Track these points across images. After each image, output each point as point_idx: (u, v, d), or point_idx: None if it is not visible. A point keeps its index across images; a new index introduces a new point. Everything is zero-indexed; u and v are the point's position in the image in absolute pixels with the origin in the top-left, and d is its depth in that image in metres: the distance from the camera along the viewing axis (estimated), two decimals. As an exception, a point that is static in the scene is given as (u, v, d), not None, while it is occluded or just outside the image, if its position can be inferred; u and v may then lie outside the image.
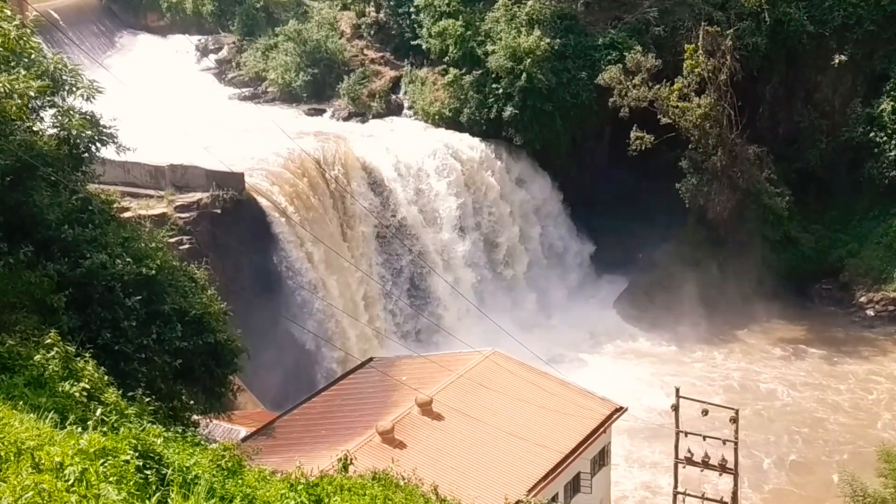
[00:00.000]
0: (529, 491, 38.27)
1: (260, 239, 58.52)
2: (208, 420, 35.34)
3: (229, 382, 33.96)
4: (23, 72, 27.96)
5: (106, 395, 20.79)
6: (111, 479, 13.23)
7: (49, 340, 21.57)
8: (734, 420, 43.02)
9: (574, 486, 43.17)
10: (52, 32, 71.02)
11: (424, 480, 26.84)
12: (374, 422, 40.69)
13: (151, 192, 57.75)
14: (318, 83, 79.29)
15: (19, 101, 26.89)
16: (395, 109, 78.36)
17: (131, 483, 13.38)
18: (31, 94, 27.61)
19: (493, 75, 73.29)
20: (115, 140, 31.47)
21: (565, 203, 77.68)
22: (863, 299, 72.89)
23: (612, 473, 48.07)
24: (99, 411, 17.74)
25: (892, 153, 73.74)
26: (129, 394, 22.69)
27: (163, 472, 14.39)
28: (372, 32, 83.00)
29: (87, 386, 20.34)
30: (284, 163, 63.61)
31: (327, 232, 62.60)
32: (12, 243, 26.65)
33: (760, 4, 74.47)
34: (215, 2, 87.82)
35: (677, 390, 44.18)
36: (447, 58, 76.17)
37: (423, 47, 78.27)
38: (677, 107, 70.06)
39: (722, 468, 43.34)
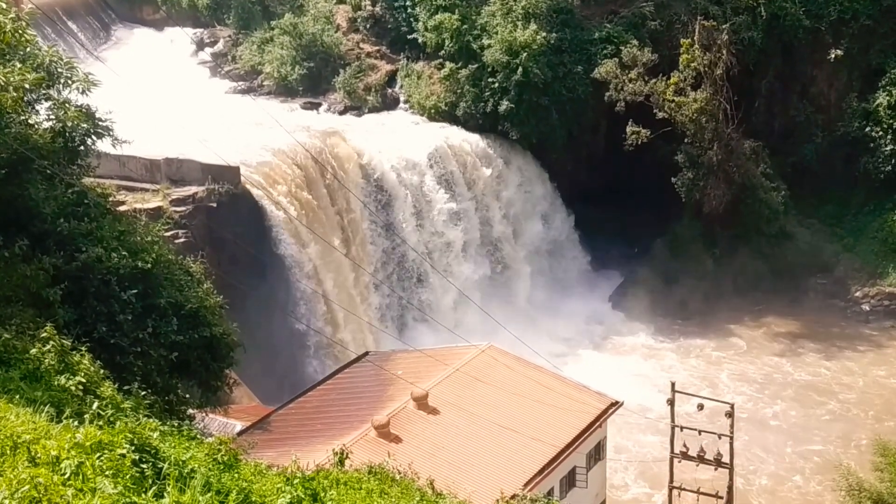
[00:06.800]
0: (525, 485, 38.30)
1: (255, 232, 58.47)
2: (204, 414, 35.32)
3: (225, 376, 33.92)
4: (18, 65, 27.88)
5: (102, 388, 20.72)
6: (107, 472, 13.21)
7: (45, 334, 21.47)
8: (729, 414, 43.12)
9: (570, 481, 43.23)
10: (47, 25, 70.81)
11: (420, 474, 26.89)
12: (370, 416, 40.71)
13: (147, 185, 57.70)
14: (313, 77, 79.18)
15: (15, 94, 26.81)
16: (391, 103, 78.28)
17: (127, 477, 13.36)
18: (27, 86, 27.51)
19: (489, 69, 73.26)
20: (111, 133, 31.37)
21: (561, 197, 77.64)
22: (858, 294, 73.00)
23: (607, 468, 48.14)
24: (95, 405, 17.70)
25: (888, 148, 73.84)
26: (125, 387, 22.61)
27: (159, 465, 14.36)
28: (368, 26, 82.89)
29: (83, 380, 20.27)
30: (280, 156, 63.55)
31: (322, 225, 62.54)
32: (8, 237, 26.58)
33: (757, -1, 74.62)
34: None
35: (673, 385, 44.33)
36: (443, 52, 76.14)
37: (420, 41, 78.19)
38: (673, 101, 70.08)
39: (717, 462, 43.46)
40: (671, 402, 43.78)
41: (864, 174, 75.37)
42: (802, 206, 76.74)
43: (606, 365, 66.12)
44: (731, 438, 43.26)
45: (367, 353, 50.34)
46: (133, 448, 14.11)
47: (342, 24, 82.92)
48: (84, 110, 30.53)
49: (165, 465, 14.43)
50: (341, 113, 76.62)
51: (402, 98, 78.48)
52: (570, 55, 74.03)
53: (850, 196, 77.25)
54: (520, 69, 71.52)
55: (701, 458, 43.83)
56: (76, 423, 15.84)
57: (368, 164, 67.23)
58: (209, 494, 14.28)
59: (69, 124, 29.97)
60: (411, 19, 79.44)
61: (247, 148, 63.73)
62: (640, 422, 55.76)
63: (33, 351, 20.86)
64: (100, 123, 30.95)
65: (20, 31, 28.70)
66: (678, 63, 71.32)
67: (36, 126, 29.37)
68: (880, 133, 74.11)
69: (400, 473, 25.91)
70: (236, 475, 16.61)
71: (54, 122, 30.01)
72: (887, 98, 73.72)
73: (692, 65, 70.45)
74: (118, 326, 28.17)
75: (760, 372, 66.36)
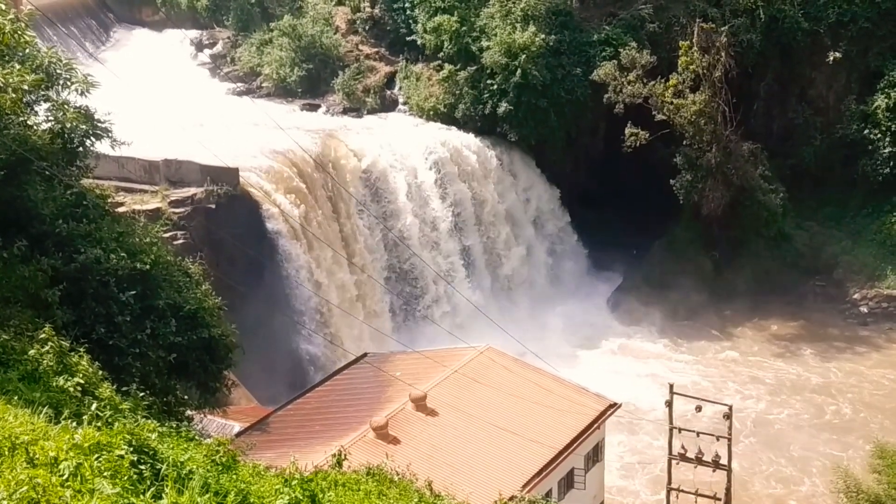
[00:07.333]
0: (524, 487, 38.30)
1: (254, 234, 58.45)
2: (202, 415, 35.31)
3: (223, 377, 33.91)
4: (17, 66, 27.89)
5: (100, 389, 20.73)
6: (106, 473, 13.22)
7: (43, 335, 21.48)
8: (728, 416, 43.13)
9: (568, 482, 43.23)
10: (46, 26, 70.80)
11: (418, 476, 26.90)
12: (369, 417, 40.69)
13: (146, 186, 57.68)
14: (312, 78, 79.23)
15: (14, 95, 26.83)
16: (389, 105, 78.32)
17: (126, 478, 13.37)
18: (26, 87, 27.51)
19: (488, 71, 73.29)
20: (110, 134, 31.37)
21: (560, 199, 77.67)
22: (856, 296, 72.96)
23: (605, 469, 48.13)
24: (93, 406, 17.68)
25: (886, 150, 73.83)
26: (124, 389, 22.62)
27: (157, 467, 14.36)
28: (367, 28, 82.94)
29: (82, 381, 20.27)
30: (279, 158, 63.51)
31: (321, 226, 62.53)
32: (6, 238, 26.56)
33: (755, 1, 74.60)
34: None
35: (671, 386, 44.33)
36: (442, 53, 76.18)
37: (418, 43, 78.26)
38: (672, 103, 70.06)
39: (715, 464, 43.45)
40: (669, 404, 43.79)
41: (863, 176, 75.34)
42: (801, 209, 76.74)
43: (605, 366, 66.12)
44: (730, 440, 43.27)
45: (365, 355, 50.34)
46: (131, 449, 14.11)
47: (341, 26, 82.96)
48: (83, 111, 30.53)
49: (164, 467, 14.43)
50: (340, 114, 76.60)
51: (401, 100, 78.49)
52: (568, 57, 74.07)
53: (848, 198, 77.22)
54: (518, 71, 71.54)
55: (699, 460, 43.84)
56: (75, 424, 15.84)
57: (367, 165, 67.06)
58: (207, 495, 14.28)
59: (68, 125, 29.97)
60: (410, 21, 79.50)
61: (246, 149, 63.57)
62: (638, 423, 55.79)
63: (32, 352, 20.86)
64: (99, 125, 30.95)
65: (19, 33, 28.70)
66: (677, 65, 71.28)
67: (35, 127, 29.36)
68: (879, 135, 74.10)
69: (398, 475, 25.92)
70: (235, 476, 16.62)
71: (53, 123, 30.00)
72: (885, 100, 73.72)
73: (691, 67, 70.43)
74: (117, 327, 28.15)
75: (760, 374, 66.30)
